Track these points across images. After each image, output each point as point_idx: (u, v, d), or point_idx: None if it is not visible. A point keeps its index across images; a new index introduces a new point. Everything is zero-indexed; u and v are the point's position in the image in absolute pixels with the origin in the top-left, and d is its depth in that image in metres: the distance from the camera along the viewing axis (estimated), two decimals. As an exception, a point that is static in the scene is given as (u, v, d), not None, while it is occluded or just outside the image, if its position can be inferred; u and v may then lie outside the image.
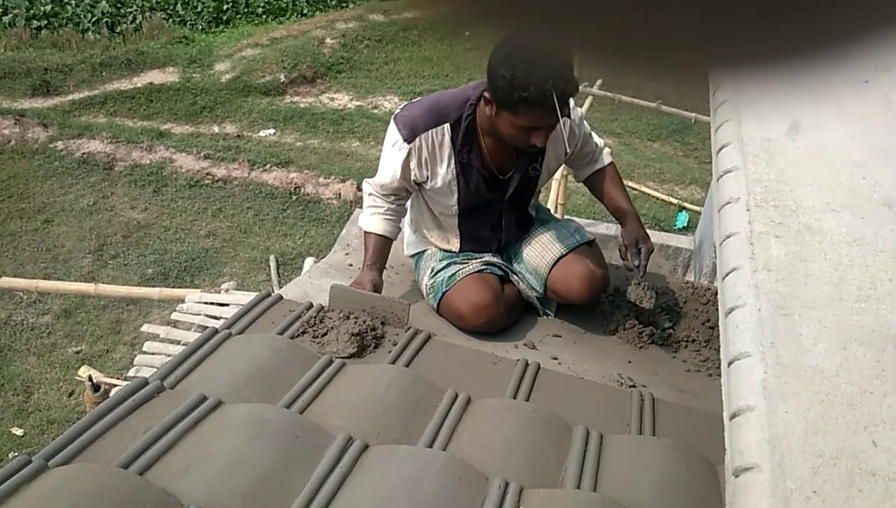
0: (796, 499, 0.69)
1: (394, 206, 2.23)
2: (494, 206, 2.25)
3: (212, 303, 2.71)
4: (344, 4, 9.71)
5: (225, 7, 9.27)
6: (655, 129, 7.10)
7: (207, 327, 1.97)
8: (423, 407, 1.58)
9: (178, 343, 2.53)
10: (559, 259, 2.20)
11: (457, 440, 1.49)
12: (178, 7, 9.08)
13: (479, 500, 1.28)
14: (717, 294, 1.03)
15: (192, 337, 2.35)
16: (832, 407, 0.77)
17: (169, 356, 2.26)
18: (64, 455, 1.28)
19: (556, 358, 2.07)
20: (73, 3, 8.62)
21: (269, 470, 1.29)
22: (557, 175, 3.76)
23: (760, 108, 1.26)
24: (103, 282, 4.53)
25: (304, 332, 1.90)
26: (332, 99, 7.55)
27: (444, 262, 2.26)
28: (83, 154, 6.22)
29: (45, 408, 3.93)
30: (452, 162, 2.12)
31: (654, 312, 2.27)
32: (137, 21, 8.65)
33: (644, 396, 1.77)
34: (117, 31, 8.47)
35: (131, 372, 2.47)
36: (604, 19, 0.34)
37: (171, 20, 8.89)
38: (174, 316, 2.70)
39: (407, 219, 2.40)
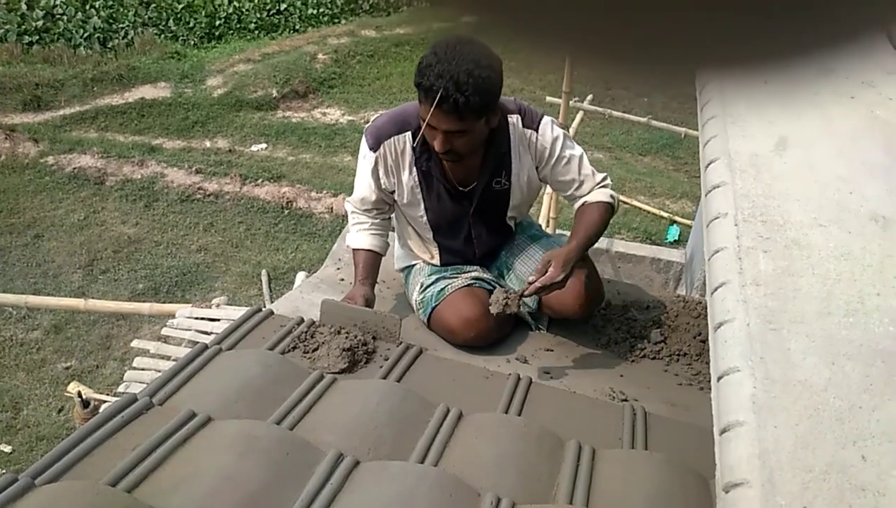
0: (786, 514, 0.69)
1: (377, 221, 2.25)
2: (463, 219, 2.24)
3: (202, 318, 2.70)
4: (336, 20, 9.75)
5: (217, 23, 9.29)
6: (646, 144, 7.13)
7: (198, 342, 1.96)
8: (414, 423, 1.58)
9: (169, 358, 2.51)
10: None
11: (448, 455, 1.48)
12: (171, 23, 9.09)
13: (470, 516, 1.28)
14: (707, 308, 1.03)
15: (183, 352, 2.34)
16: (821, 422, 0.77)
17: (159, 372, 2.25)
18: (51, 472, 1.26)
19: (547, 373, 2.07)
20: (65, 18, 8.61)
21: (260, 487, 1.28)
22: (549, 189, 3.77)
23: (748, 124, 1.27)
24: (93, 298, 4.51)
25: (294, 347, 1.90)
26: (324, 114, 7.56)
27: (434, 277, 2.26)
28: (74, 169, 6.21)
29: (34, 425, 3.90)
30: (414, 170, 2.13)
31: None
32: (129, 36, 8.65)
33: (636, 410, 1.77)
34: (109, 46, 8.47)
35: (121, 388, 2.45)
36: (596, 18, 0.34)
37: (163, 35, 8.90)
38: (164, 331, 2.69)
39: (395, 234, 2.41)
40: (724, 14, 0.33)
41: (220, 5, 9.36)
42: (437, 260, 2.32)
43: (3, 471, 3.50)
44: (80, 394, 2.56)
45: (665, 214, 4.83)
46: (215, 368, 1.71)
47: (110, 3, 9.03)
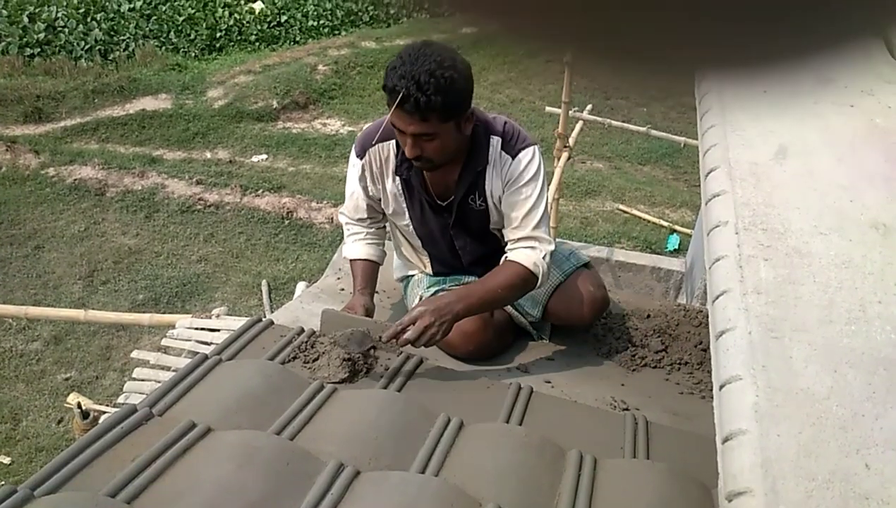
0: (790, 523, 0.68)
1: (372, 230, 2.25)
2: (445, 231, 2.23)
3: (202, 329, 2.69)
4: (336, 32, 9.78)
5: (218, 35, 9.32)
6: (645, 153, 7.14)
7: (198, 353, 1.96)
8: (415, 433, 1.57)
9: (169, 369, 2.51)
10: (558, 286, 2.21)
11: (449, 465, 1.47)
12: (172, 35, 9.12)
13: (471, 527, 1.27)
14: (708, 316, 1.03)
15: (183, 363, 2.33)
16: (824, 430, 0.77)
17: (159, 382, 2.24)
18: (50, 483, 1.26)
19: (549, 382, 2.06)
20: (67, 30, 8.65)
21: (260, 498, 1.27)
22: (550, 197, 3.78)
23: (748, 133, 1.27)
24: (94, 309, 4.50)
25: (295, 358, 1.89)
26: (325, 124, 7.58)
27: (432, 289, 2.26)
28: (74, 180, 6.21)
29: (33, 436, 3.88)
30: (397, 179, 2.14)
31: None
32: (130, 48, 8.68)
33: (638, 419, 1.76)
34: (110, 58, 8.49)
35: (121, 399, 2.45)
36: (595, 19, 0.34)
37: (164, 47, 8.93)
38: (164, 342, 2.68)
39: (392, 244, 2.42)
40: (723, 15, 0.33)
41: (220, 17, 9.40)
42: (429, 270, 2.33)
43: (3, 483, 3.48)
44: (79, 405, 2.56)
45: (665, 223, 4.84)
46: (215, 378, 1.71)
47: (111, 15, 9.06)
